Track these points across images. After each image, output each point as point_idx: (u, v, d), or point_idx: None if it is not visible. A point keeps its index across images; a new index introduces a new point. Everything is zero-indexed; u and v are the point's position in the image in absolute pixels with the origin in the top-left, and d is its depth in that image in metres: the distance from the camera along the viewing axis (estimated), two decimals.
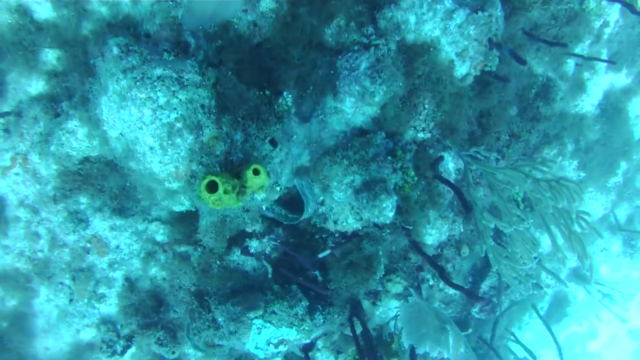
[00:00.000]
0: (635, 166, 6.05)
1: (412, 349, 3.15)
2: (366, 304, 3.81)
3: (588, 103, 4.85)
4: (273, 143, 2.70)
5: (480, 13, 3.11)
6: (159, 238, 3.66)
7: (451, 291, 4.91)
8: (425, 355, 3.52)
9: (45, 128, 3.37)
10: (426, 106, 3.30)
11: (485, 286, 4.87)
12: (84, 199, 3.51)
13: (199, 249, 3.50)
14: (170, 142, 2.74)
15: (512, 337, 5.95)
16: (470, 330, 5.08)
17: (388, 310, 4.13)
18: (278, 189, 2.87)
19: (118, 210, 3.60)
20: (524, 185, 3.20)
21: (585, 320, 7.79)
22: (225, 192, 2.32)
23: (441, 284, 4.09)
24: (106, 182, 3.43)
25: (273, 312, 3.25)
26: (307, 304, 3.35)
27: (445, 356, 3.16)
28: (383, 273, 3.45)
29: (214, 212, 2.94)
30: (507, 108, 3.98)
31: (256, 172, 2.50)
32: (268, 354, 3.33)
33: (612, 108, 5.04)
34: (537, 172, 3.25)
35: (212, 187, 2.37)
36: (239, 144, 2.69)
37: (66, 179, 3.45)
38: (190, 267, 3.54)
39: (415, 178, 3.30)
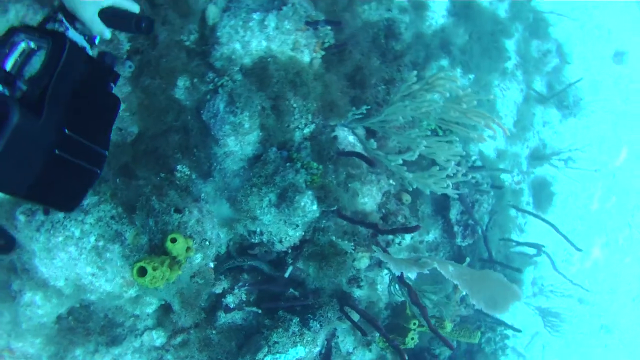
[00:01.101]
0: (521, 38, 6.45)
1: (401, 275, 3.46)
2: (355, 293, 4.14)
3: (438, 16, 5.25)
4: (178, 211, 3.03)
5: (284, 8, 3.50)
6: (158, 342, 3.93)
7: (430, 237, 5.25)
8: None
9: (10, 315, 3.65)
10: (294, 104, 3.66)
11: (454, 216, 5.19)
12: (78, 351, 3.78)
13: (190, 331, 3.79)
14: (103, 260, 3.07)
15: (513, 243, 6.25)
16: (468, 259, 5.38)
17: (374, 285, 4.45)
18: (207, 243, 3.19)
19: (111, 342, 3.87)
20: (405, 111, 3.54)
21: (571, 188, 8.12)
22: (154, 269, 2.63)
23: (407, 237, 4.42)
24: (88, 324, 3.71)
25: (275, 342, 3.54)
26: (297, 319, 3.65)
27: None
28: (353, 247, 3.75)
29: (172, 294, 3.26)
30: (370, 58, 4.34)
31: (174, 241, 2.82)
32: None
33: (462, 6, 5.44)
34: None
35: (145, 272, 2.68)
36: (154, 227, 3.01)
37: (53, 344, 3.71)
38: (195, 349, 3.82)
39: (320, 167, 3.64)
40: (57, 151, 1.37)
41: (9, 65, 1.41)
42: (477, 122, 3.45)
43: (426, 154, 3.57)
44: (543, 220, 6.28)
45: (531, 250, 6.59)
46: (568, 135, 7.58)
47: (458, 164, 5.13)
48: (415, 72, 3.41)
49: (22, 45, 1.45)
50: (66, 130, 1.39)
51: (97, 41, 1.69)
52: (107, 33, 1.73)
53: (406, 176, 3.58)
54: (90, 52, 1.67)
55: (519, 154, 6.92)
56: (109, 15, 1.70)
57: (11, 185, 1.34)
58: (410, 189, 3.75)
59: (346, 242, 3.68)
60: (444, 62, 5.11)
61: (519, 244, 6.34)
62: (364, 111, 3.85)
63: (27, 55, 1.45)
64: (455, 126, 3.52)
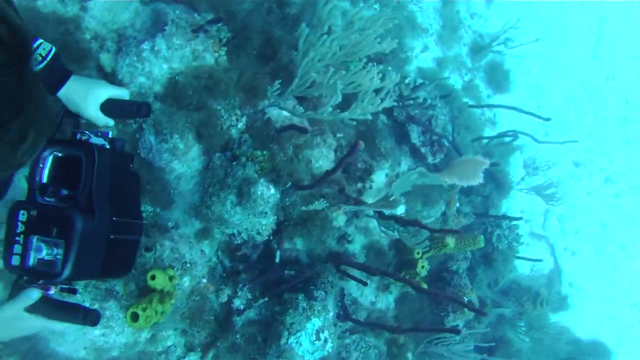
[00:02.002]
0: None
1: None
2: (349, 248, 4.36)
3: None
4: (148, 249, 3.22)
5: (167, 27, 3.63)
6: None
7: (403, 167, 5.43)
8: None
9: None
10: (218, 106, 3.81)
11: (416, 139, 5.35)
12: None
13: (217, 343, 4.01)
14: (105, 319, 3.28)
15: (485, 140, 6.42)
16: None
17: (369, 230, 4.66)
18: (189, 265, 3.38)
19: None
20: (314, 65, 3.67)
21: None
22: (144, 310, 2.84)
23: (379, 177, 4.62)
24: None
25: (291, 323, 3.76)
26: (302, 295, 3.86)
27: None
28: (326, 204, 3.94)
29: (178, 320, 3.48)
30: (272, 31, 4.44)
31: (154, 278, 3.02)
32: (324, 347, 3.83)
33: None
34: None
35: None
36: (134, 273, 3.21)
37: None
38: (228, 356, 4.04)
39: (265, 152, 3.81)
40: (112, 236, 1.71)
41: (45, 177, 1.69)
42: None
43: (352, 90, 3.69)
44: (501, 107, 6.44)
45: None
46: (499, 18, 7.68)
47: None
48: (304, 24, 3.51)
49: (50, 157, 1.71)
50: (114, 218, 1.72)
51: (110, 135, 1.89)
52: (111, 122, 2.02)
53: (342, 117, 3.68)
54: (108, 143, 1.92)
55: (459, 53, 7.04)
56: (110, 108, 1.98)
57: (87, 274, 1.73)
58: (355, 124, 3.84)
59: (316, 202, 3.86)
60: (345, 4, 5.20)
61: (490, 138, 6.51)
62: (278, 85, 3.96)
63: (59, 164, 1.73)
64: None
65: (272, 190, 3.71)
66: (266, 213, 3.76)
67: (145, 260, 3.21)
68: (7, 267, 1.62)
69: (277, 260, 3.90)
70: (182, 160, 3.73)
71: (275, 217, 3.87)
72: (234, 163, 3.76)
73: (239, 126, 3.95)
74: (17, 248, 1.59)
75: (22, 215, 1.59)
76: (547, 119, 6.13)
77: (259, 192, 3.62)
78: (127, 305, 3.25)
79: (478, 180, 3.60)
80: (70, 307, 1.88)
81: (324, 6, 3.46)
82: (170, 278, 3.16)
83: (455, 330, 3.80)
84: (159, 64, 3.66)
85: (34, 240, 1.57)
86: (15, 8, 0.85)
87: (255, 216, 3.74)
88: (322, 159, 4.17)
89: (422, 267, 4.90)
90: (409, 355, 4.87)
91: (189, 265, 3.39)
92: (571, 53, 9.30)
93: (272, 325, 3.93)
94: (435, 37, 6.68)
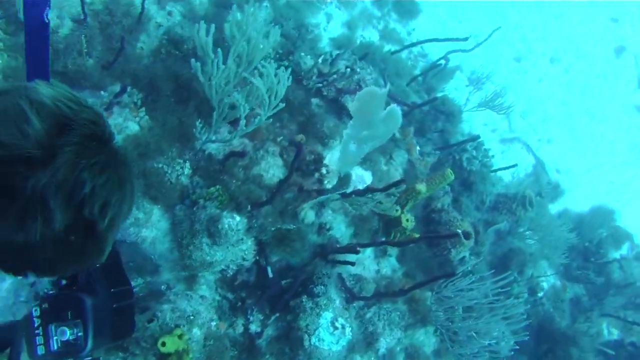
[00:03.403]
0: None
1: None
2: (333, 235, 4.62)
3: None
4: (150, 321, 3.47)
5: None
6: None
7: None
8: None
9: None
10: (159, 165, 4.04)
11: (349, 102, 5.56)
12: None
13: None
14: None
15: (420, 78, 6.65)
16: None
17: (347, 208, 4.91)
18: (192, 317, 3.64)
19: None
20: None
21: None
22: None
23: (331, 161, 4.86)
24: None
25: (307, 325, 4.04)
26: (305, 296, 4.14)
27: None
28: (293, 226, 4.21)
29: None
30: (181, 73, 4.63)
31: (164, 344, 3.28)
32: (345, 333, 4.12)
33: None
34: None
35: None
36: (146, 346, 3.46)
37: None
38: None
39: (217, 186, 4.06)
40: (115, 305, 1.95)
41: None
42: None
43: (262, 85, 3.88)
44: (420, 42, 6.69)
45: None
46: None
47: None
48: (193, 60, 3.68)
49: None
50: (112, 290, 1.96)
51: None
52: None
53: (262, 114, 3.85)
54: None
55: (365, 7, 7.15)
56: None
57: (103, 343, 1.94)
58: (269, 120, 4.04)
59: (286, 224, 4.13)
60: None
61: (424, 74, 6.75)
62: (202, 124, 4.14)
63: None
64: None
65: (238, 218, 3.95)
66: (242, 239, 4.01)
67: (152, 331, 3.46)
68: (35, 358, 1.84)
69: (271, 275, 4.16)
70: (149, 226, 3.97)
71: (253, 237, 4.12)
72: (194, 208, 3.99)
73: (186, 173, 4.18)
74: (39, 339, 1.83)
75: (36, 311, 1.81)
76: (465, 39, 6.36)
77: (226, 225, 3.86)
78: None
79: (379, 111, 3.74)
80: None
81: (200, 35, 3.62)
82: (180, 336, 3.42)
83: (449, 275, 4.06)
84: None
85: (52, 328, 1.80)
86: None
87: (234, 246, 4.00)
88: (272, 168, 4.41)
89: (407, 220, 5.17)
90: (428, 302, 5.16)
91: (192, 317, 3.64)
92: None
93: (290, 333, 4.20)
94: (334, 3, 6.87)
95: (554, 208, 8.58)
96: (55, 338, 1.82)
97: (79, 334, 1.82)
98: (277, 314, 4.24)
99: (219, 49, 3.67)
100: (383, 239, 4.83)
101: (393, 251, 5.45)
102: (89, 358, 2.08)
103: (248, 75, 3.72)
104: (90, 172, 1.03)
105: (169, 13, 4.92)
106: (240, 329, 4.25)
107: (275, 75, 3.73)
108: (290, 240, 4.22)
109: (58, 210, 0.98)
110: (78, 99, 1.09)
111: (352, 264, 4.22)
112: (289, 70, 3.84)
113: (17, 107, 0.99)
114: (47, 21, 1.84)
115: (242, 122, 3.76)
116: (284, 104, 3.84)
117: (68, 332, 1.81)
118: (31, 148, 0.96)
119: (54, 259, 1.08)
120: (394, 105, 3.77)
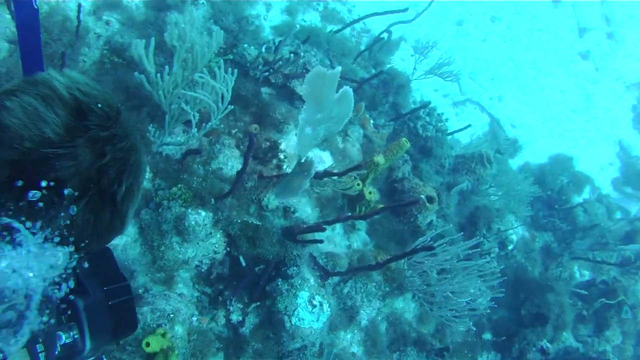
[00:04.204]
0: None
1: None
2: (299, 215, 4.76)
3: None
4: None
5: None
6: None
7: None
8: None
9: None
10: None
11: (299, 85, 5.69)
12: None
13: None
14: None
15: (366, 52, 6.79)
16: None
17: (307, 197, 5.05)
18: (172, 315, 3.75)
19: None
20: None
21: None
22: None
23: (287, 146, 4.99)
24: None
25: (285, 307, 4.18)
26: (279, 279, 4.28)
27: None
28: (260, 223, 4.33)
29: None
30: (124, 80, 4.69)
31: (148, 345, 3.39)
32: (323, 309, 4.27)
33: None
34: None
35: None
36: (130, 349, 3.57)
37: None
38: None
39: (179, 185, 4.14)
40: (110, 302, 1.95)
41: None
42: None
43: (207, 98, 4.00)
44: (361, 19, 6.83)
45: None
46: None
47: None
48: (136, 73, 3.79)
49: None
50: (105, 288, 1.95)
51: None
52: None
53: (212, 125, 3.98)
54: None
55: None
56: None
57: (103, 341, 1.93)
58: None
59: (252, 218, 4.26)
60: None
61: (368, 49, 6.90)
62: (154, 129, 4.21)
63: None
64: None
65: (203, 213, 4.06)
66: (210, 233, 4.13)
67: (135, 334, 3.56)
68: None
69: (244, 263, 4.28)
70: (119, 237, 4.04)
71: (221, 230, 4.24)
72: (159, 210, 4.09)
73: (147, 177, 4.27)
74: (39, 347, 1.95)
75: None
76: (405, 9, 6.52)
77: (192, 222, 3.97)
78: None
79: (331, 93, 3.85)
80: None
81: (138, 52, 3.68)
82: (163, 334, 3.53)
83: (428, 248, 4.19)
84: None
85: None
86: None
87: (204, 241, 4.11)
88: (230, 160, 4.53)
89: (370, 193, 5.34)
90: (402, 269, 5.34)
91: (172, 315, 3.75)
92: None
93: (271, 318, 4.34)
94: None
95: (515, 163, 8.85)
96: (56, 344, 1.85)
97: (76, 336, 1.84)
98: (257, 302, 4.37)
99: (165, 66, 3.74)
100: (349, 214, 4.97)
101: (362, 225, 5.63)
102: (92, 358, 2.18)
103: (198, 77, 3.80)
104: (109, 146, 1.18)
105: (107, 22, 4.98)
106: (222, 320, 4.37)
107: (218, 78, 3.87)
108: (259, 239, 4.34)
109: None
110: (88, 84, 1.23)
111: (320, 241, 4.36)
112: (235, 73, 3.93)
113: (37, 99, 1.13)
114: (36, 7, 1.90)
115: (194, 130, 3.87)
116: (232, 107, 3.95)
117: (64, 337, 1.84)
118: (52, 134, 1.10)
119: (78, 234, 1.19)
120: (346, 87, 3.88)
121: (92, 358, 2.18)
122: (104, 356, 2.36)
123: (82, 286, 1.91)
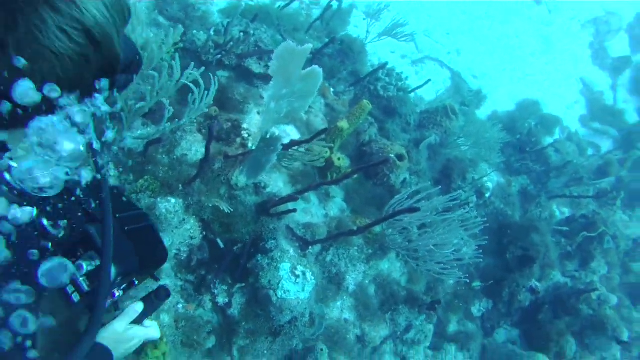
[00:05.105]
0: None
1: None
2: (270, 190, 4.77)
3: None
4: None
5: None
6: None
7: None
8: None
9: None
10: None
11: (257, 69, 5.68)
12: None
13: (233, 341, 4.45)
14: None
15: (318, 21, 6.77)
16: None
17: (278, 173, 5.05)
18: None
19: None
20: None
21: None
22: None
23: (251, 125, 4.98)
24: None
25: (269, 281, 4.20)
26: (259, 255, 4.29)
27: None
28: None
29: (181, 351, 3.88)
30: None
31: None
32: (307, 279, 4.29)
33: None
34: None
35: None
36: None
37: None
38: (249, 344, 4.49)
39: (146, 177, 4.13)
40: (126, 228, 2.07)
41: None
42: None
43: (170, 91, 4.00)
44: None
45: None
46: None
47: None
48: None
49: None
50: (117, 215, 2.07)
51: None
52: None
53: (180, 125, 3.99)
54: None
55: None
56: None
57: (130, 268, 2.05)
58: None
59: (223, 202, 4.25)
60: None
61: (320, 18, 6.88)
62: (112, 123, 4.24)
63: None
64: None
65: (173, 200, 4.06)
66: (183, 219, 4.12)
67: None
68: (74, 306, 1.88)
69: (222, 245, 4.28)
70: None
71: (194, 216, 4.23)
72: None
73: (112, 174, 4.24)
74: (69, 288, 1.86)
75: None
76: None
77: (163, 210, 3.96)
78: None
79: (298, 69, 3.85)
80: (144, 300, 2.36)
81: None
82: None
83: (413, 209, 4.16)
84: None
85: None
86: None
87: (178, 228, 4.11)
88: (193, 145, 4.52)
89: (339, 159, 5.36)
90: (381, 229, 5.38)
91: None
92: None
93: (257, 294, 4.36)
94: None
95: (482, 113, 8.92)
96: (80, 279, 1.83)
97: (97, 262, 1.83)
98: (242, 283, 4.38)
99: None
100: (320, 182, 4.99)
101: (337, 193, 5.65)
102: (124, 285, 2.15)
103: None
104: None
105: None
106: (209, 305, 4.38)
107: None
108: (233, 224, 4.34)
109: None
110: None
111: (294, 210, 4.38)
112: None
113: None
114: None
115: (166, 124, 3.85)
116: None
117: (85, 265, 1.82)
118: None
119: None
120: (316, 66, 3.88)
121: (124, 285, 2.15)
122: (136, 280, 2.34)
123: (89, 215, 1.84)
